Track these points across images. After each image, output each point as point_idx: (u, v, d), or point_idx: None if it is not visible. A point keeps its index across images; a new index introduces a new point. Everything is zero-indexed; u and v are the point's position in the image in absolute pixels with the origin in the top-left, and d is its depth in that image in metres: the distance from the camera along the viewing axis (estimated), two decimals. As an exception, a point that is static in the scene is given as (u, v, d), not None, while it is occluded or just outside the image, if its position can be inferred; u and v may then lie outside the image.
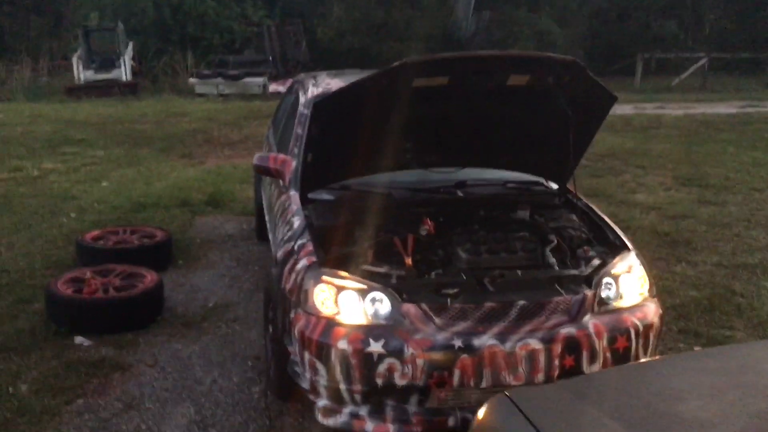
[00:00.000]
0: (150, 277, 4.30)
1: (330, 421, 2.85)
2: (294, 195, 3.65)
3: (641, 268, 3.23)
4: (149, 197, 7.21)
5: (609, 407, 1.24)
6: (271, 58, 19.13)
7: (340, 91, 3.14)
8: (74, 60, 18.29)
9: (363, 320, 2.84)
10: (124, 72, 18.33)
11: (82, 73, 18.06)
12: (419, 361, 2.72)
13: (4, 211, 6.54)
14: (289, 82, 5.93)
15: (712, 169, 9.01)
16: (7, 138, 10.92)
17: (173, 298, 4.60)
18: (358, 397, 2.80)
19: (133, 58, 19.06)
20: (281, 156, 4.23)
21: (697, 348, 3.95)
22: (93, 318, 3.98)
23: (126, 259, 4.76)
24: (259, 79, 17.60)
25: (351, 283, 2.90)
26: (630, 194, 7.71)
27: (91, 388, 3.42)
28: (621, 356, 2.92)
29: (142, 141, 11.10)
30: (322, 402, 2.87)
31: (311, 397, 2.91)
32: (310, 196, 3.59)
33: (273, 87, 5.92)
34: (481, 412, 1.42)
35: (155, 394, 3.39)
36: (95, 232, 5.24)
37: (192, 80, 17.94)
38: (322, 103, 3.07)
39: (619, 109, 15.37)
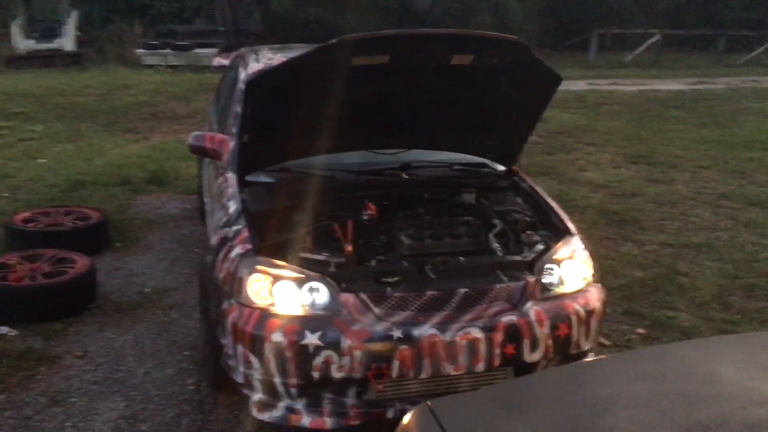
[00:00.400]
0: (81, 263, 4.09)
1: (265, 416, 2.74)
2: (231, 177, 3.48)
3: (585, 252, 3.19)
4: (88, 175, 6.90)
5: (532, 420, 1.16)
6: (222, 29, 18.58)
7: (274, 69, 2.99)
8: (13, 28, 17.43)
9: (299, 311, 2.72)
10: (67, 41, 17.56)
11: (22, 43, 17.24)
12: (357, 353, 2.62)
13: (-70, 190, 6.18)
14: (233, 55, 5.68)
15: (661, 147, 9.12)
16: (-62, 111, 10.35)
17: (108, 284, 4.41)
18: (294, 390, 2.69)
19: (78, 27, 18.27)
20: (219, 135, 4.04)
21: (640, 330, 3.96)
22: (19, 306, 3.76)
23: (58, 242, 4.53)
24: (210, 51, 17.06)
25: (287, 272, 2.78)
26: (580, 172, 7.73)
27: (15, 382, 3.23)
28: (563, 343, 2.88)
29: (85, 115, 10.65)
30: (257, 396, 2.76)
31: (245, 391, 2.79)
32: (249, 178, 3.43)
33: (217, 61, 5.68)
34: (405, 420, 1.33)
35: (83, 387, 3.23)
36: (26, 214, 4.98)
37: (139, 51, 17.30)
38: (255, 81, 2.91)
39: (573, 85, 15.47)
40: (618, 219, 5.99)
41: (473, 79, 3.27)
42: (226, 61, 5.46)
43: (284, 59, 3.19)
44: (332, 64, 2.89)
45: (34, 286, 3.82)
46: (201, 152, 4.08)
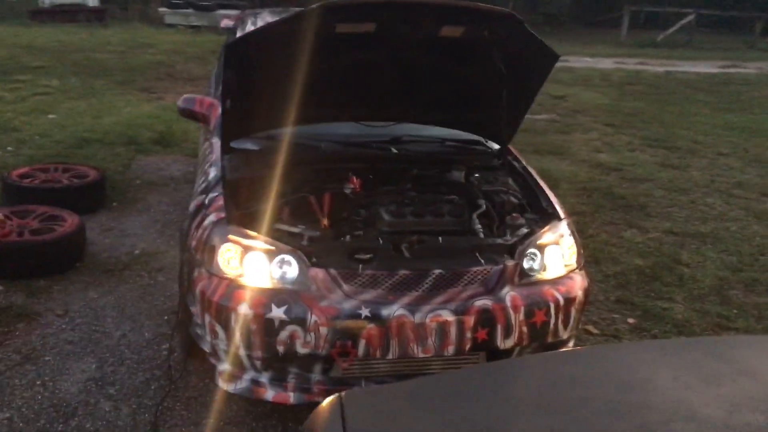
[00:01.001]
0: (71, 221, 4.08)
1: (230, 387, 2.72)
2: (216, 143, 3.42)
3: (571, 238, 3.08)
4: (95, 133, 6.90)
5: (440, 419, 1.09)
6: (246, -10, 18.40)
7: (254, 33, 2.89)
8: (39, -19, 17.46)
9: (268, 284, 2.67)
10: (92, -3, 17.56)
11: (47, -4, 17.28)
12: (323, 330, 2.57)
13: (-63, 140, 6.22)
14: (236, 17, 5.58)
15: (682, 131, 8.87)
16: (-42, 61, 10.41)
17: (98, 243, 4.40)
18: (258, 363, 2.66)
19: (103, -17, 18.24)
20: (208, 99, 3.99)
21: (630, 320, 3.86)
22: (4, 262, 3.77)
23: (52, 199, 4.52)
24: (233, 12, 16.92)
25: (259, 244, 2.72)
26: (594, 153, 7.55)
27: (-9, 338, 3.25)
28: (539, 331, 2.79)
29: (101, 72, 10.66)
30: (223, 366, 2.72)
31: (212, 360, 2.76)
32: (234, 145, 3.36)
33: (225, 22, 5.55)
34: (318, 408, 1.27)
35: (58, 346, 3.23)
36: (23, 169, 4.98)
37: (162, 9, 17.22)
38: (234, 45, 2.82)
39: (600, 63, 15.17)
40: (625, 204, 5.83)
41: (466, 52, 3.16)
42: (232, 23, 5.33)
43: (269, 23, 3.10)
44: (314, 31, 2.79)
45: (21, 243, 3.81)
46: (190, 116, 4.03)
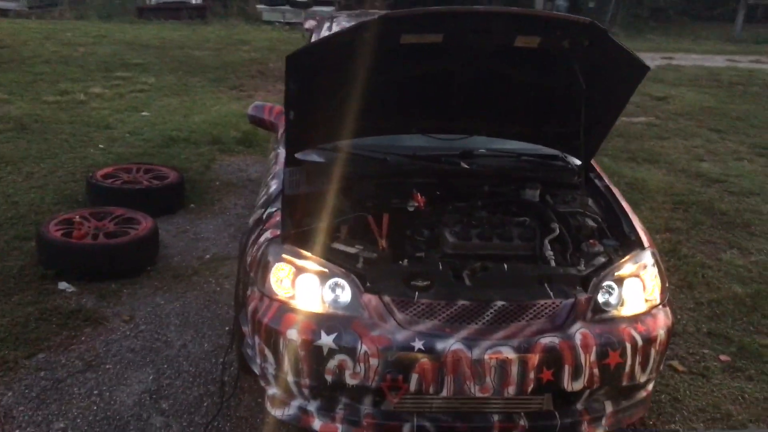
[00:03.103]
0: (145, 224, 4.13)
1: (278, 413, 2.62)
2: (281, 153, 3.34)
3: (655, 269, 2.79)
4: (183, 131, 7.05)
5: None
6: (342, -13, 18.49)
7: (315, 45, 2.78)
8: (146, -20, 18.24)
9: (319, 308, 2.55)
10: (195, -6, 18.17)
11: (153, -6, 18.02)
12: (373, 361, 2.42)
13: (37, 137, 6.52)
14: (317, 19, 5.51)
15: (798, 139, 8.09)
16: (67, 58, 10.97)
17: (172, 246, 4.45)
18: (306, 391, 2.55)
19: (205, -19, 18.83)
20: (278, 107, 3.92)
21: (723, 357, 3.48)
22: (79, 264, 3.86)
23: (132, 200, 4.62)
24: (329, 8, 17.07)
25: (312, 265, 2.61)
26: (695, 162, 7.00)
27: (58, 341, 3.31)
28: (612, 373, 2.53)
29: (197, 69, 10.95)
30: (272, 390, 2.63)
31: (261, 383, 2.68)
32: (299, 156, 3.26)
33: (308, 23, 5.48)
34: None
35: (120, 354, 3.25)
36: (108, 169, 5.11)
37: (260, 6, 17.59)
38: (295, 57, 2.70)
39: (709, 61, 14.20)
40: (727, 220, 5.35)
41: (543, 62, 2.91)
42: (315, 23, 5.28)
43: (330, 33, 2.97)
44: (378, 42, 2.63)
45: (94, 245, 3.89)
46: (259, 123, 4.00)
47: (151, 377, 3.09)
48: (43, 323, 3.42)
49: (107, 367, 3.15)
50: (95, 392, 2.96)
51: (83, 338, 3.35)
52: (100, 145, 6.43)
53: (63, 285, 3.79)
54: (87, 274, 3.86)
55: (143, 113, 7.85)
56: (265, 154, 6.53)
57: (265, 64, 11.86)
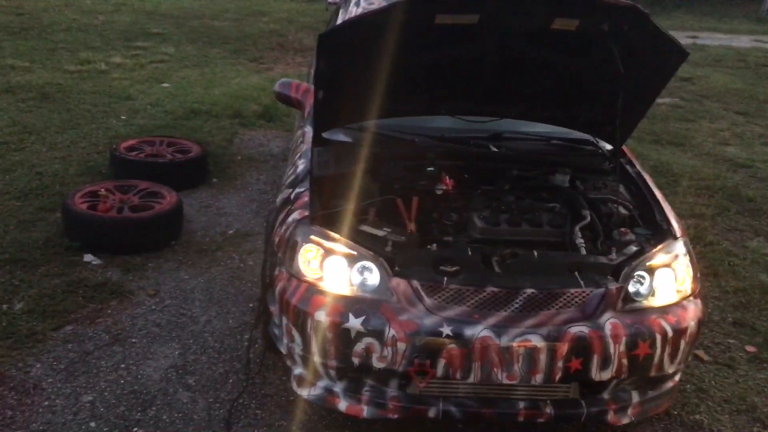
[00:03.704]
0: (169, 198, 4.14)
1: (304, 392, 2.63)
2: (308, 132, 3.32)
3: (687, 260, 2.75)
4: (204, 104, 7.02)
5: None
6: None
7: (349, 24, 2.73)
8: (166, -53, 18.03)
9: (347, 290, 2.54)
10: (214, -37, 17.96)
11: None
12: (400, 345, 2.41)
13: (60, 107, 6.52)
14: (345, -6, 5.43)
15: (827, 123, 7.94)
16: (86, 27, 10.93)
17: (196, 221, 4.46)
18: (333, 372, 2.55)
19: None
20: (305, 85, 3.89)
21: (749, 347, 3.45)
22: (104, 237, 3.87)
23: (156, 173, 4.62)
24: (348, -20, 16.86)
25: (340, 247, 2.60)
26: (721, 146, 6.89)
27: (85, 314, 3.33)
28: (640, 364, 2.51)
29: (216, 40, 10.88)
30: (298, 370, 2.64)
31: (288, 362, 2.69)
32: (326, 135, 3.24)
33: (332, -2, 5.41)
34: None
35: (146, 328, 3.27)
36: (131, 141, 5.11)
37: (280, -24, 17.37)
38: (328, 36, 2.66)
39: (735, 41, 13.93)
40: (754, 207, 5.27)
41: (580, 45, 2.86)
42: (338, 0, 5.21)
43: (363, 13, 2.92)
44: (412, 22, 2.59)
45: (119, 219, 3.90)
46: (286, 101, 3.96)
47: (177, 353, 3.11)
48: (70, 295, 3.45)
49: (133, 341, 3.17)
50: (122, 366, 2.99)
51: (109, 311, 3.38)
52: (122, 117, 6.42)
53: (89, 257, 3.82)
54: (112, 247, 3.88)
55: (164, 84, 7.82)
56: (287, 128, 6.53)
57: (284, 36, 11.76)
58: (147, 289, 3.60)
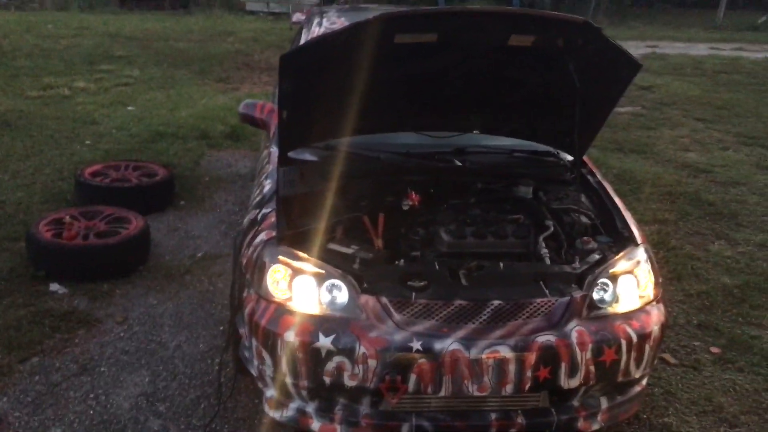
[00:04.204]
0: (135, 224, 4.11)
1: (276, 414, 2.62)
2: (274, 152, 3.33)
3: (648, 266, 2.81)
4: (170, 126, 6.99)
5: None
6: (326, -24, 18.35)
7: (310, 45, 2.76)
8: (128, -30, 18.00)
9: (317, 309, 2.55)
10: (177, -16, 17.97)
11: (135, -16, 17.81)
12: (371, 362, 2.42)
13: (22, 134, 6.44)
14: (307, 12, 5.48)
15: (782, 127, 8.18)
16: (49, 52, 10.83)
17: (163, 244, 4.42)
18: (304, 393, 2.55)
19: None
20: (269, 105, 3.90)
21: (714, 349, 3.53)
22: (70, 265, 3.82)
23: (122, 198, 4.59)
24: (313, -1, 16.97)
25: (308, 266, 2.61)
26: (681, 152, 7.06)
27: (51, 344, 3.28)
28: (607, 370, 2.56)
29: (181, 61, 10.86)
30: (270, 392, 2.63)
31: (259, 384, 2.69)
32: (292, 155, 3.25)
33: (296, 16, 5.45)
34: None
35: (114, 356, 3.23)
36: (96, 166, 5.06)
37: (244, -4, 17.45)
38: (290, 57, 2.69)
39: (693, 49, 14.30)
40: (714, 211, 5.40)
41: (537, 60, 2.92)
42: (303, 17, 5.25)
43: (324, 33, 2.96)
44: (372, 41, 2.62)
45: (85, 246, 3.86)
46: (251, 122, 3.97)
47: (146, 379, 3.08)
48: (36, 326, 3.40)
49: (102, 369, 3.13)
50: (91, 396, 2.95)
51: (77, 341, 3.33)
52: (87, 141, 6.36)
53: (54, 286, 3.76)
54: (79, 275, 3.83)
55: (129, 107, 7.77)
56: (254, 148, 6.52)
57: (250, 55, 11.79)
58: (115, 317, 3.56)
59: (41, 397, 2.92)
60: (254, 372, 2.68)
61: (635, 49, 13.31)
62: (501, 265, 2.68)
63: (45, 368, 3.11)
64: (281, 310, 2.55)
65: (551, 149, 3.48)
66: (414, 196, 3.05)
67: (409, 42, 2.68)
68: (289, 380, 2.53)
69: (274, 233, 2.74)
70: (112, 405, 2.90)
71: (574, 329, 2.53)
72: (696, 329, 3.72)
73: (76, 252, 3.83)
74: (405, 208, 3.03)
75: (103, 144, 6.33)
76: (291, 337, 2.48)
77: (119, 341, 3.35)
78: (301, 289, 2.59)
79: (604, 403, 2.67)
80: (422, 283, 2.59)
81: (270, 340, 2.52)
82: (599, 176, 3.37)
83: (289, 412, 2.60)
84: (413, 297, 2.53)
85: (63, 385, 3.01)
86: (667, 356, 3.43)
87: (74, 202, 4.78)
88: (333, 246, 2.75)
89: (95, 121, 7.05)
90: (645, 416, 3.01)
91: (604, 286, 2.69)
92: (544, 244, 2.86)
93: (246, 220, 3.07)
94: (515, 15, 2.67)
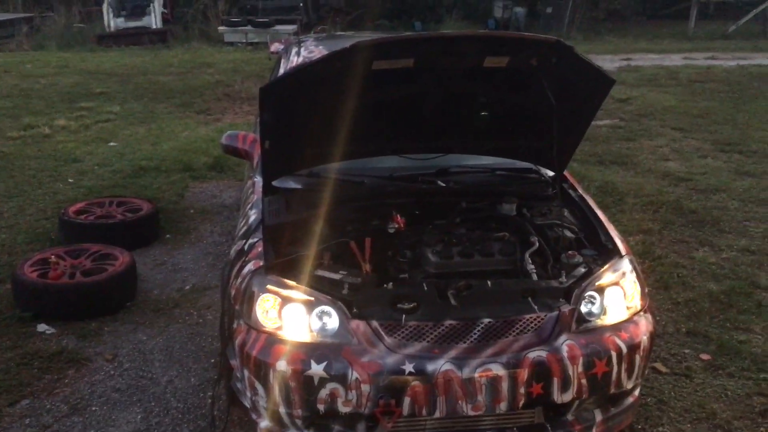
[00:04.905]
0: (122, 260, 4.09)
1: (271, 444, 2.61)
2: (258, 182, 3.35)
3: (634, 276, 2.85)
4: (153, 160, 6.99)
5: None
6: (301, 4, 18.52)
7: (289, 76, 2.80)
8: (104, 7, 18.03)
9: (307, 337, 2.55)
10: (154, 19, 18.02)
11: (112, 21, 17.83)
12: (365, 387, 2.43)
13: (3, 175, 6.40)
14: (285, 42, 5.53)
15: (757, 133, 8.32)
16: (28, 91, 10.81)
17: (150, 279, 4.41)
18: (299, 422, 2.54)
19: (164, 5, 18.72)
20: (251, 135, 3.93)
21: (704, 356, 3.56)
22: (57, 304, 3.79)
23: (107, 235, 4.57)
24: (290, 27, 17.09)
25: (297, 294, 2.61)
26: (661, 162, 7.15)
27: (41, 386, 3.25)
28: (599, 383, 2.58)
29: (162, 95, 10.87)
30: (264, 423, 2.62)
31: (253, 416, 2.67)
32: (276, 183, 3.27)
33: (274, 46, 5.47)
34: None
35: (105, 395, 3.20)
36: (80, 204, 5.04)
37: (221, 28, 17.53)
38: (269, 88, 2.72)
39: (667, 60, 14.52)
40: (696, 219, 5.47)
41: (513, 80, 2.97)
42: (282, 47, 5.29)
43: (302, 63, 3.00)
44: (351, 69, 2.67)
45: (72, 285, 3.84)
46: (234, 153, 3.99)
47: (139, 417, 3.05)
48: (25, 368, 3.36)
49: (93, 409, 3.10)
50: (83, 436, 2.92)
51: (67, 381, 3.30)
52: (70, 180, 6.34)
53: (42, 327, 3.73)
54: (66, 314, 3.80)
55: (111, 143, 7.76)
56: (238, 178, 6.52)
57: (230, 86, 11.81)
58: (104, 354, 3.54)
59: (33, 440, 2.89)
60: (247, 403, 2.67)
61: (610, 62, 13.54)
62: (489, 283, 2.70)
63: (35, 410, 3.08)
64: (272, 340, 2.55)
65: (532, 166, 3.52)
66: (399, 218, 3.07)
67: (386, 68, 2.72)
68: (282, 410, 2.52)
69: (261, 263, 2.75)
70: (105, 445, 2.87)
71: (565, 343, 2.55)
72: (685, 337, 3.75)
73: (63, 291, 3.80)
74: (391, 231, 3.05)
75: (86, 181, 6.31)
76: (283, 366, 2.47)
77: (110, 379, 3.33)
78: (291, 317, 2.59)
79: (598, 415, 2.68)
80: (412, 305, 2.60)
81: (262, 371, 2.52)
82: (581, 190, 3.42)
83: (284, 441, 2.59)
84: (403, 319, 2.55)
85: (55, 426, 2.98)
86: (658, 365, 3.45)
87: (59, 241, 4.75)
88: (321, 272, 2.76)
89: (77, 159, 7.03)
90: (640, 427, 3.02)
91: (592, 299, 2.72)
92: (530, 260, 2.89)
93: (233, 251, 3.08)
94: (489, 38, 2.74)
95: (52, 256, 4.00)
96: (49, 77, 12.23)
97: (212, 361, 3.48)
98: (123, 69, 13.39)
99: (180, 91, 11.26)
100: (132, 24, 17.80)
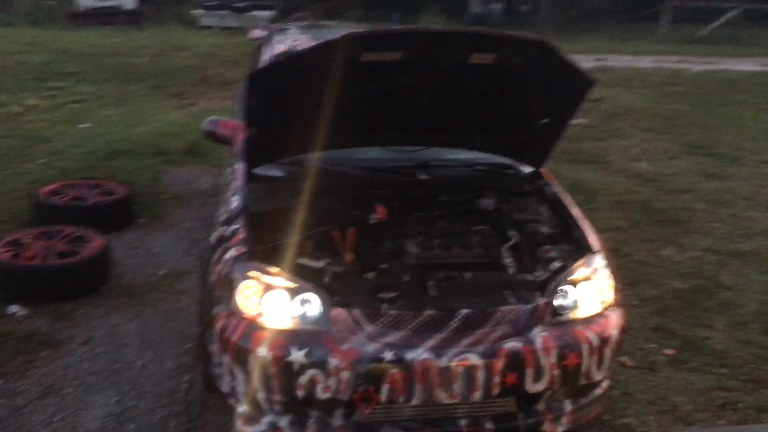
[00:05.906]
0: (96, 243, 4.06)
1: (248, 430, 2.63)
2: (240, 169, 3.35)
3: (606, 272, 2.93)
4: (126, 143, 6.91)
5: None
6: (280, -10, 18.37)
7: (279, 63, 2.81)
8: (77, -16, 17.70)
9: (288, 323, 2.58)
10: (128, -1, 17.74)
11: (84, -1, 17.51)
12: (344, 374, 2.47)
13: (-27, 154, 6.30)
14: (268, 29, 5.51)
15: (725, 136, 8.53)
16: (-4, 68, 10.59)
17: (125, 263, 4.38)
18: (277, 407, 2.57)
19: (139, -15, 18.43)
20: (232, 122, 3.92)
21: (668, 351, 3.68)
22: (30, 286, 3.76)
23: (80, 217, 4.52)
24: (267, 13, 16.97)
25: (279, 281, 2.64)
26: (632, 162, 7.30)
27: (13, 367, 3.22)
28: (571, 374, 2.66)
29: (135, 77, 10.73)
30: (241, 408, 2.64)
31: (230, 401, 2.69)
32: (258, 171, 3.28)
33: (255, 33, 5.47)
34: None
35: (79, 378, 3.19)
36: (53, 186, 4.98)
37: (197, 11, 17.32)
38: (258, 76, 2.74)
39: (638, 62, 14.76)
40: (663, 218, 5.61)
41: (498, 77, 3.02)
42: (263, 34, 5.27)
43: (293, 49, 3.01)
44: (339, 60, 2.68)
45: (45, 266, 3.80)
46: (215, 139, 3.97)
47: (114, 400, 3.05)
48: (-4, 350, 3.33)
49: (67, 391, 3.09)
50: (57, 418, 2.91)
51: (39, 363, 3.28)
52: (41, 160, 6.25)
53: (14, 308, 3.69)
54: (39, 296, 3.77)
55: (83, 125, 7.65)
56: (214, 164, 6.49)
57: (205, 70, 11.71)
58: (78, 337, 3.52)
59: (4, 421, 2.87)
60: (225, 388, 2.69)
61: (584, 62, 13.61)
62: (468, 275, 2.77)
63: (7, 392, 3.05)
64: (253, 326, 2.58)
65: (511, 162, 3.59)
66: (381, 209, 3.11)
67: (374, 60, 2.75)
68: (261, 395, 2.55)
69: (244, 249, 2.76)
70: (79, 427, 2.87)
71: (539, 335, 2.62)
72: (651, 332, 3.87)
73: (36, 273, 3.77)
74: (372, 221, 3.09)
75: (59, 162, 6.22)
76: (263, 352, 2.50)
77: (84, 362, 3.31)
78: (272, 303, 2.61)
79: (568, 406, 2.76)
80: (392, 295, 2.65)
81: (242, 356, 2.54)
82: (557, 187, 3.49)
83: (261, 426, 2.62)
84: (384, 308, 2.59)
85: (28, 408, 2.96)
86: (624, 359, 3.56)
87: (32, 223, 4.68)
88: (303, 260, 2.79)
89: (49, 139, 6.93)
90: (606, 417, 3.12)
91: (565, 293, 2.79)
92: (507, 254, 2.95)
93: (213, 237, 3.08)
94: (477, 35, 2.77)
95: (25, 237, 3.95)
96: (19, 55, 11.98)
97: (187, 346, 3.48)
98: (95, 49, 13.16)
99: (153, 73, 11.13)
100: (105, 3, 17.46)
